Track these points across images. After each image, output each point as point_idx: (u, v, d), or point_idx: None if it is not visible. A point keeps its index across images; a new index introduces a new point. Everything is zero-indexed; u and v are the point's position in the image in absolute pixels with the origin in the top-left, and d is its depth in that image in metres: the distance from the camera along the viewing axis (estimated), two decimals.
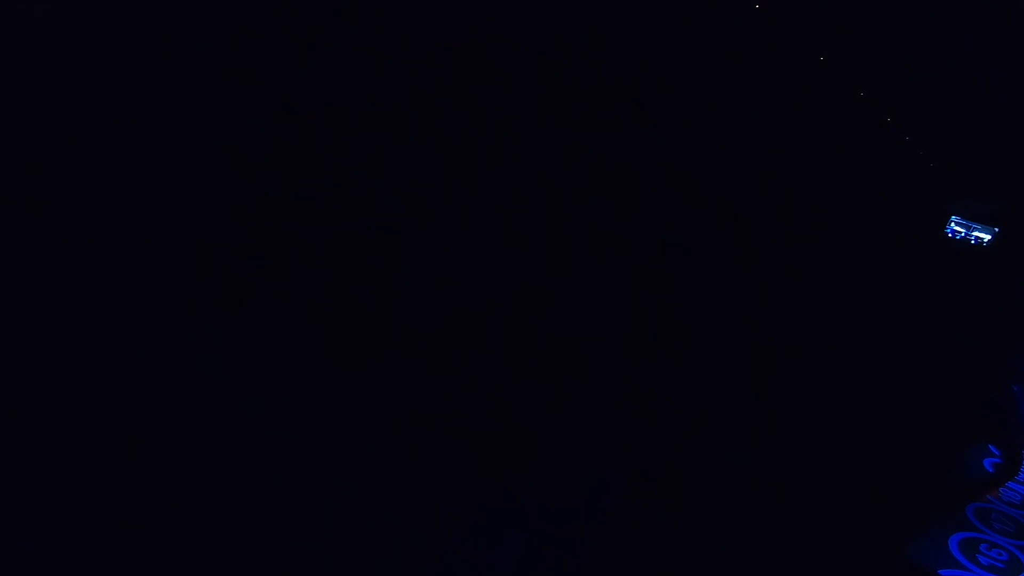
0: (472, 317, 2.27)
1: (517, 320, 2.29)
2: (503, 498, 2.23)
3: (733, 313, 2.27)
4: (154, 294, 2.13)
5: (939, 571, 2.39)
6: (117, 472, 2.00)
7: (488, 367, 2.29)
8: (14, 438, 1.91)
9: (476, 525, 2.14)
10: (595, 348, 2.30)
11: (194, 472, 2.04)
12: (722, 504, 2.19)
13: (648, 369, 2.30)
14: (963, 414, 3.01)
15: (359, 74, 2.17)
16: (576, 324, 2.29)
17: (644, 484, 2.30)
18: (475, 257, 2.25)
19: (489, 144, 2.23)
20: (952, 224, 7.12)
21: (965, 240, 7.01)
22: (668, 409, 2.28)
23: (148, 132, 2.15)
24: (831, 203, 2.57)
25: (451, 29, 2.17)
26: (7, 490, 1.87)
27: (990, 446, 3.45)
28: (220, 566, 1.90)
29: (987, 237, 7.01)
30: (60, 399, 1.98)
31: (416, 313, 2.26)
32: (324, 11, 2.11)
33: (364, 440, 2.20)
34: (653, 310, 2.29)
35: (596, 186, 2.26)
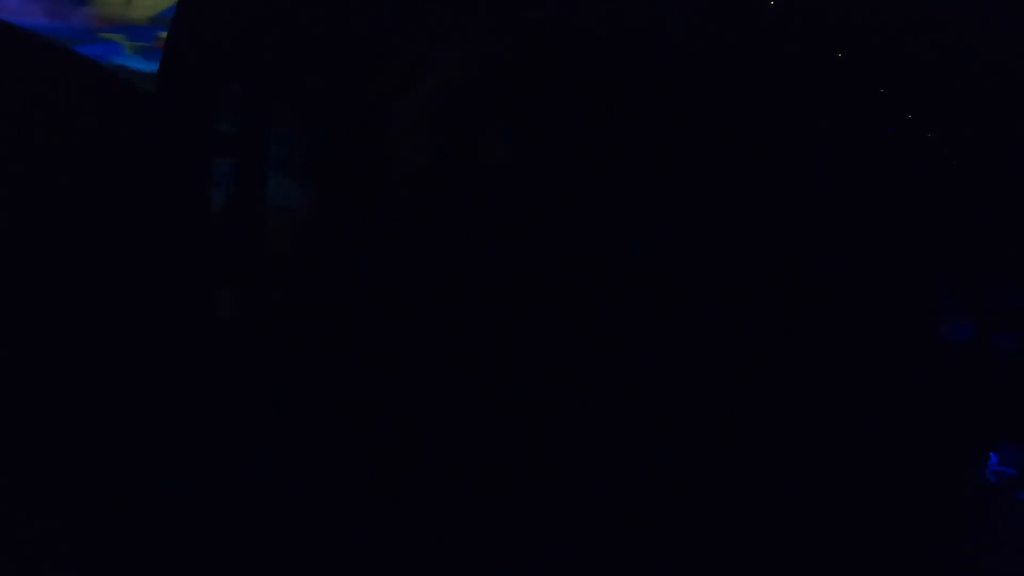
0: (472, 317, 2.27)
1: (517, 320, 2.29)
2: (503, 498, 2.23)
3: (733, 313, 2.27)
4: (154, 294, 2.15)
5: None
6: (116, 472, 2.01)
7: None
8: (13, 438, 1.93)
9: (476, 525, 2.14)
10: (595, 348, 2.30)
11: (194, 472, 2.05)
12: (722, 504, 2.19)
13: (648, 369, 2.30)
14: (978, 414, 2.99)
15: (359, 73, 2.18)
16: (576, 324, 2.29)
17: (644, 484, 2.30)
18: (475, 257, 2.25)
19: (489, 144, 2.23)
20: None
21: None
22: (668, 409, 2.29)
23: (147, 132, 2.17)
24: (834, 203, 2.56)
25: (451, 29, 2.17)
26: (6, 490, 1.89)
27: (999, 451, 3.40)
28: (220, 566, 1.91)
29: None
30: (59, 399, 1.99)
31: (416, 313, 2.27)
32: (323, 10, 2.12)
33: (364, 440, 2.20)
34: (653, 310, 2.29)
35: (596, 186, 2.26)
